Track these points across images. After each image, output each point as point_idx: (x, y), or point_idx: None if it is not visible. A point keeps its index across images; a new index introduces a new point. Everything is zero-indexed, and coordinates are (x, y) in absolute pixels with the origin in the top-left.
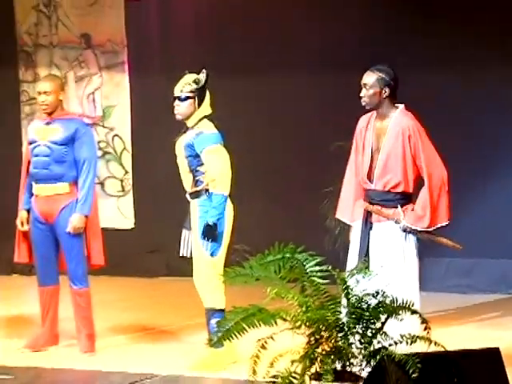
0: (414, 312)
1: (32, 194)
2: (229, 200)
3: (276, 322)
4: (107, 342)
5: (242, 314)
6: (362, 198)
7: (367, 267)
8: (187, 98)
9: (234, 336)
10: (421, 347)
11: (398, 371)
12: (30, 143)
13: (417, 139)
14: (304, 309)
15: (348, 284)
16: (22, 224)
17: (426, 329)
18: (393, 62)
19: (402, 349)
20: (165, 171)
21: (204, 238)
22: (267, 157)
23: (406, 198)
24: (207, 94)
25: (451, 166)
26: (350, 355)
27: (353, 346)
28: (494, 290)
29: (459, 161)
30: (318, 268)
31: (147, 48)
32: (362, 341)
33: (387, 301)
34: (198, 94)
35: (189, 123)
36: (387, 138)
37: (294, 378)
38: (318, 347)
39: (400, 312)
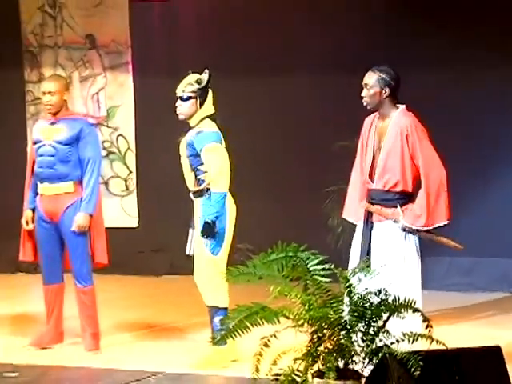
0: (415, 310)
1: (37, 194)
2: (231, 199)
3: (279, 320)
4: (111, 339)
5: (246, 312)
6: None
7: (369, 266)
8: (189, 97)
9: (237, 334)
10: (422, 345)
11: (400, 369)
12: (35, 143)
13: (414, 139)
14: (307, 307)
15: (350, 282)
16: (27, 223)
17: (427, 327)
18: (393, 62)
19: (404, 347)
20: (169, 171)
21: (203, 236)
22: (269, 157)
23: (406, 198)
24: (210, 94)
25: (451, 166)
26: (352, 353)
27: (355, 343)
28: (495, 289)
29: (459, 161)
30: (320, 266)
31: (151, 49)
32: (365, 339)
33: (389, 299)
34: (200, 94)
35: (191, 123)
36: (387, 138)
37: (297, 375)
38: (320, 345)
39: (402, 310)
